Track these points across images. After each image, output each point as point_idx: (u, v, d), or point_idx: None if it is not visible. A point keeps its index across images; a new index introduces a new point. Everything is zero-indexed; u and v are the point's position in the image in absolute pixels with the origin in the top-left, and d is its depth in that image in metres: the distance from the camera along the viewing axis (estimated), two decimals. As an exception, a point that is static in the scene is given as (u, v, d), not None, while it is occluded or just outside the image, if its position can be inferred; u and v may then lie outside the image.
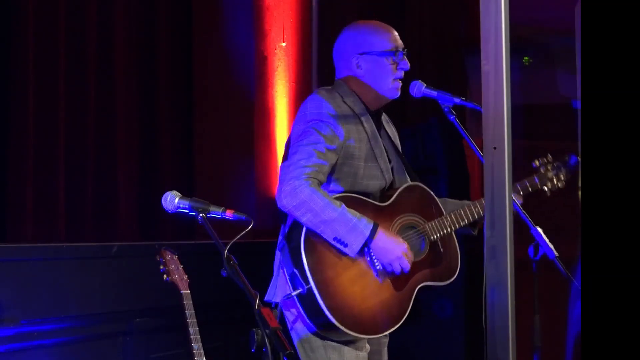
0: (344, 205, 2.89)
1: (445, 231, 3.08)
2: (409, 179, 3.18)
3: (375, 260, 2.93)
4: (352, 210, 2.90)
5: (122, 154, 5.00)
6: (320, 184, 2.93)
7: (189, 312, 3.13)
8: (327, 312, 2.83)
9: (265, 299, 2.99)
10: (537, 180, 3.24)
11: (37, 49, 4.62)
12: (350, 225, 2.86)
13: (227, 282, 2.47)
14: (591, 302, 1.85)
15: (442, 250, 3.09)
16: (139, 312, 3.99)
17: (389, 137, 3.20)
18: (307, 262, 2.86)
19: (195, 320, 3.12)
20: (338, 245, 2.88)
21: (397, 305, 2.96)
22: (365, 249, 2.91)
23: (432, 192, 3.16)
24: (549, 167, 3.26)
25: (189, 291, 3.16)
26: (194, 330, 3.11)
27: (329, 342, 2.94)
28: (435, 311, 4.88)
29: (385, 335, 3.16)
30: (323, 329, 2.89)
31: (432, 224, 3.08)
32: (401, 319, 2.98)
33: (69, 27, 4.77)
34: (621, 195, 1.85)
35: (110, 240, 4.25)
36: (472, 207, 3.11)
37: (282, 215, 3.01)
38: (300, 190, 2.85)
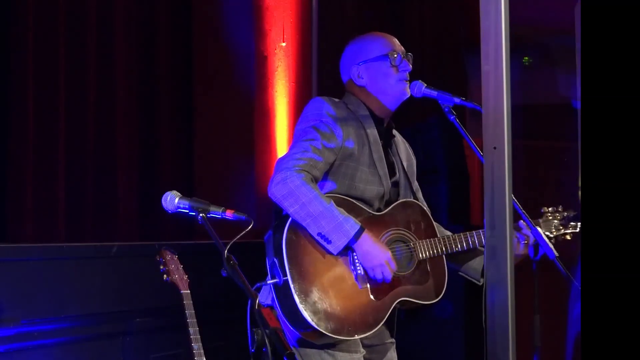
0: (333, 202, 2.87)
1: (435, 252, 3.04)
2: (412, 197, 3.17)
3: (357, 264, 2.91)
4: (341, 209, 2.88)
5: (122, 154, 5.00)
6: (315, 179, 2.92)
7: (189, 312, 3.13)
8: (299, 306, 2.80)
9: (259, 300, 2.98)
10: (540, 224, 3.19)
11: (37, 49, 4.62)
12: (336, 223, 2.84)
13: (227, 282, 2.47)
14: (591, 302, 1.85)
15: (429, 270, 3.05)
16: (139, 312, 3.99)
17: (399, 155, 3.20)
18: (287, 254, 2.84)
19: (195, 320, 3.12)
20: (321, 242, 2.85)
21: (372, 313, 2.92)
22: (348, 251, 2.90)
23: (429, 214, 3.14)
24: (557, 216, 3.21)
25: (189, 291, 3.16)
26: (194, 330, 3.11)
27: (323, 349, 2.92)
28: (435, 311, 4.88)
29: (392, 342, 3.15)
30: (305, 333, 2.86)
31: (422, 243, 3.04)
32: (375, 327, 2.92)
33: (68, 27, 4.77)
34: (621, 195, 1.85)
35: (110, 240, 4.24)
36: (469, 235, 3.06)
37: (275, 209, 3.01)
38: (290, 180, 2.85)
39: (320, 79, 5.58)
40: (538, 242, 2.94)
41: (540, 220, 3.20)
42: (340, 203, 2.92)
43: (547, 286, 3.15)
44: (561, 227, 3.20)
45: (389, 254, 2.92)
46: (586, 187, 1.88)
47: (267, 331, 2.25)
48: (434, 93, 3.04)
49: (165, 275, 3.17)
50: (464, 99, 2.98)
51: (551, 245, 2.91)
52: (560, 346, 5.09)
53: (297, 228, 2.88)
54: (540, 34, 5.77)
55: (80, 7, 4.84)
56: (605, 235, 1.85)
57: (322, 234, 2.85)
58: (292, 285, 2.82)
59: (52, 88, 4.69)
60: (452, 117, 3.01)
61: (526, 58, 5.94)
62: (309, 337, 2.88)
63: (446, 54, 6.17)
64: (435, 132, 5.05)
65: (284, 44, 5.58)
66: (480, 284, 3.19)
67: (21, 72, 4.59)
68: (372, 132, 3.08)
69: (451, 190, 5.00)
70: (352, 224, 2.86)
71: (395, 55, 3.08)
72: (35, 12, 4.63)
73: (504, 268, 1.95)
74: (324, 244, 2.86)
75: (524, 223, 3.04)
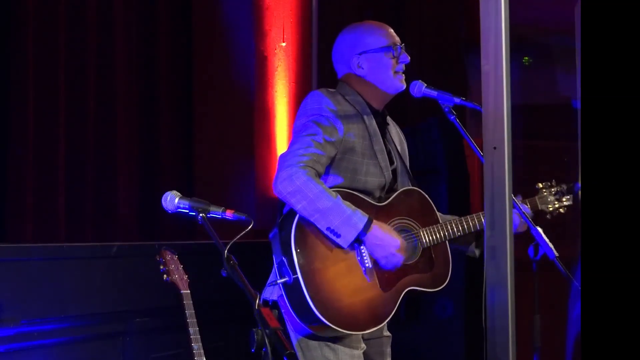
0: (339, 196, 2.88)
1: (438, 238, 3.07)
2: (410, 184, 3.18)
3: (365, 257, 2.92)
4: (348, 202, 2.89)
5: (122, 154, 5.00)
6: (318, 174, 2.93)
7: (189, 312, 3.13)
8: (310, 304, 2.81)
9: (262, 297, 2.98)
10: (537, 200, 3.25)
11: (37, 49, 4.62)
12: (344, 216, 2.85)
13: (227, 282, 2.47)
14: (591, 302, 1.85)
15: (433, 257, 3.08)
16: (139, 312, 3.99)
17: (394, 141, 3.21)
18: (296, 252, 2.85)
19: (195, 320, 3.12)
20: (331, 236, 2.87)
21: (382, 305, 2.95)
22: (355, 245, 2.91)
23: (430, 200, 3.16)
24: (552, 191, 3.27)
25: (189, 291, 3.16)
26: (194, 330, 3.11)
27: (324, 342, 2.94)
28: (435, 311, 4.88)
29: (388, 336, 3.16)
30: (312, 326, 2.88)
31: (426, 230, 3.07)
32: (385, 319, 2.96)
33: (68, 27, 4.77)
34: (621, 195, 1.85)
35: (110, 240, 4.24)
36: (469, 219, 3.10)
37: (279, 206, 3.01)
38: (296, 177, 2.85)
39: (320, 79, 5.58)
40: (538, 242, 2.95)
41: (537, 197, 3.24)
42: (345, 197, 2.93)
43: (547, 286, 3.15)
44: (556, 202, 3.27)
45: (399, 241, 2.94)
46: (586, 187, 1.88)
47: (267, 331, 2.25)
48: (434, 93, 3.05)
49: (165, 275, 3.17)
50: (464, 99, 2.98)
51: (551, 245, 2.92)
52: (560, 346, 5.09)
53: (304, 225, 2.89)
54: (540, 34, 5.76)
55: (80, 8, 4.84)
56: (605, 235, 1.84)
57: (332, 228, 2.86)
58: (302, 282, 2.83)
59: (52, 88, 4.69)
60: (452, 117, 3.02)
61: (526, 58, 5.93)
62: (317, 330, 2.90)
63: (446, 54, 6.16)
64: (435, 132, 5.04)
65: (284, 44, 5.58)
66: (477, 255, 3.21)
67: (21, 72, 4.58)
68: (372, 123, 3.09)
69: (451, 190, 5.00)
70: (360, 217, 2.88)
71: (396, 47, 3.09)
72: (35, 13, 4.63)
73: (504, 268, 1.94)
74: (334, 238, 2.87)
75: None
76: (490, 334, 1.96)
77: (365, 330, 2.93)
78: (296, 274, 2.84)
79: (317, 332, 2.91)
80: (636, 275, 1.82)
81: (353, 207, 2.89)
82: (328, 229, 2.86)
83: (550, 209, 3.27)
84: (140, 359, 3.98)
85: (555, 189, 3.29)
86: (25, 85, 4.58)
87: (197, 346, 3.09)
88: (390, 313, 2.97)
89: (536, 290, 3.00)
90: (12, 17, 4.58)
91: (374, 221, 2.90)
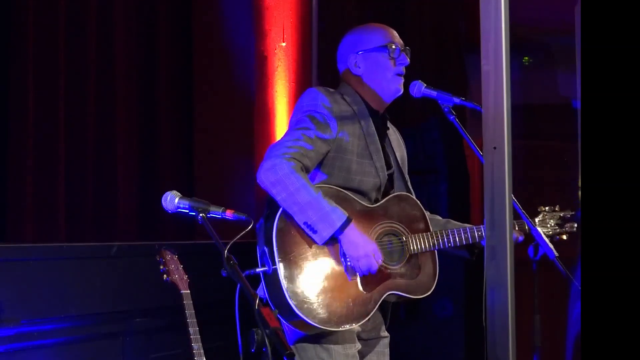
0: (321, 191, 2.86)
1: (426, 247, 3.04)
2: (405, 191, 3.17)
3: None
4: (329, 199, 2.87)
5: (122, 154, 5.00)
6: (306, 169, 2.90)
7: (189, 312, 3.13)
8: (287, 296, 2.80)
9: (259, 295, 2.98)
10: (536, 222, 3.22)
11: (37, 50, 4.62)
12: (322, 213, 2.82)
13: (227, 282, 2.47)
14: (591, 302, 1.85)
15: (419, 265, 3.05)
16: (139, 312, 3.99)
17: (392, 146, 3.20)
18: (277, 243, 2.84)
19: (195, 320, 3.12)
20: (307, 231, 2.84)
21: (360, 305, 2.92)
22: (339, 241, 2.88)
23: (422, 208, 3.13)
24: (554, 216, 3.24)
25: (189, 291, 3.16)
26: (194, 330, 3.11)
27: (318, 342, 2.92)
28: (435, 311, 4.88)
29: (386, 337, 3.16)
30: (292, 322, 2.86)
31: (415, 237, 3.04)
32: (363, 319, 2.92)
33: (68, 26, 4.77)
34: (621, 195, 1.85)
35: (110, 240, 4.24)
36: (462, 232, 3.07)
37: (269, 198, 2.98)
38: (279, 168, 2.83)
39: (320, 79, 5.58)
40: (538, 242, 2.94)
41: (537, 219, 3.22)
42: (332, 194, 2.92)
43: (547, 286, 3.15)
44: (557, 227, 3.23)
45: (375, 245, 2.92)
46: (586, 187, 1.88)
47: (267, 331, 2.25)
48: (434, 93, 3.04)
49: (165, 275, 3.17)
50: (464, 99, 2.98)
51: (551, 246, 2.92)
52: (560, 346, 5.09)
53: (288, 217, 2.87)
54: (540, 34, 5.77)
55: (80, 8, 4.84)
56: (605, 235, 1.85)
57: (309, 223, 2.84)
58: (280, 275, 2.82)
59: (52, 88, 4.69)
60: (452, 117, 3.02)
61: (526, 58, 5.94)
62: (297, 326, 2.89)
63: (446, 54, 6.17)
64: (435, 132, 5.05)
65: (284, 44, 5.58)
66: (474, 258, 3.19)
67: (21, 71, 4.58)
68: (368, 123, 3.07)
69: (451, 190, 5.00)
70: (339, 215, 2.85)
71: (394, 47, 3.08)
72: (35, 14, 4.63)
73: (504, 268, 1.95)
74: (310, 233, 2.85)
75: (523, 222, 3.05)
76: (490, 334, 1.96)
77: (339, 327, 2.88)
78: (275, 264, 2.83)
79: (299, 329, 2.89)
80: (636, 275, 1.82)
81: (334, 204, 2.86)
82: (305, 223, 2.84)
83: (551, 233, 3.23)
84: (140, 359, 3.98)
85: (558, 214, 3.25)
86: (25, 85, 4.58)
87: (197, 346, 3.09)
88: (369, 313, 2.94)
89: (536, 290, 3.00)
90: (12, 17, 4.58)
91: (353, 221, 2.87)
